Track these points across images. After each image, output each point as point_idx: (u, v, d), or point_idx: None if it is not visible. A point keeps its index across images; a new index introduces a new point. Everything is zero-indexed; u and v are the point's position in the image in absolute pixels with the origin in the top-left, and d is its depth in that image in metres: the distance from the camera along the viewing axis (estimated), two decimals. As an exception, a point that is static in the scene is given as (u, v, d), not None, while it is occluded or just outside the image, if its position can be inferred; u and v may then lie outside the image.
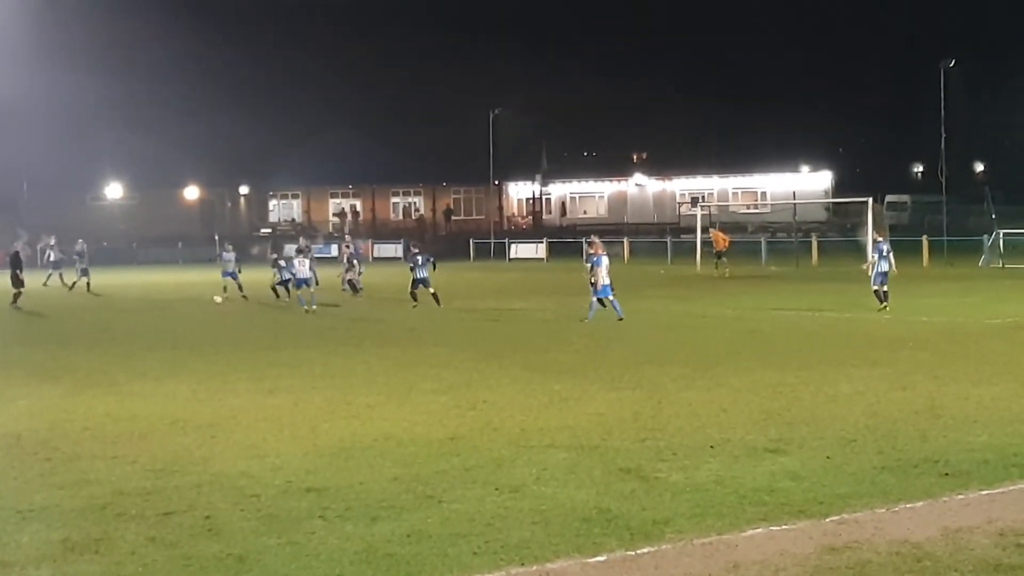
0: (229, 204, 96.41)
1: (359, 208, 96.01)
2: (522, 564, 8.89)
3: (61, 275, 48.33)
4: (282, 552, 9.25)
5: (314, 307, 33.01)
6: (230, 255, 38.94)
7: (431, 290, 32.95)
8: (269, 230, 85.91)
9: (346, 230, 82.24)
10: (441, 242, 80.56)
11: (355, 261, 40.22)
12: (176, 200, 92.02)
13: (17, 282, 34.75)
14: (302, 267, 34.10)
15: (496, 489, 11.15)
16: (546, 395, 16.94)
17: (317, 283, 34.33)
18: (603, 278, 28.20)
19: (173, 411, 15.98)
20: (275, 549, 9.33)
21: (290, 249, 39.93)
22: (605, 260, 28.69)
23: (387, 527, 9.90)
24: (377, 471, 12.03)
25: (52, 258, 52.07)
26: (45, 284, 47.49)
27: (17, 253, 36.25)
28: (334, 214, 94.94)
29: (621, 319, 27.87)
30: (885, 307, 29.45)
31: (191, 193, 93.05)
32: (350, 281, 38.90)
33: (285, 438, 13.90)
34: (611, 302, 28.23)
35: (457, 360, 21.43)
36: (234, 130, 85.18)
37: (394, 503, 10.68)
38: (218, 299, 36.52)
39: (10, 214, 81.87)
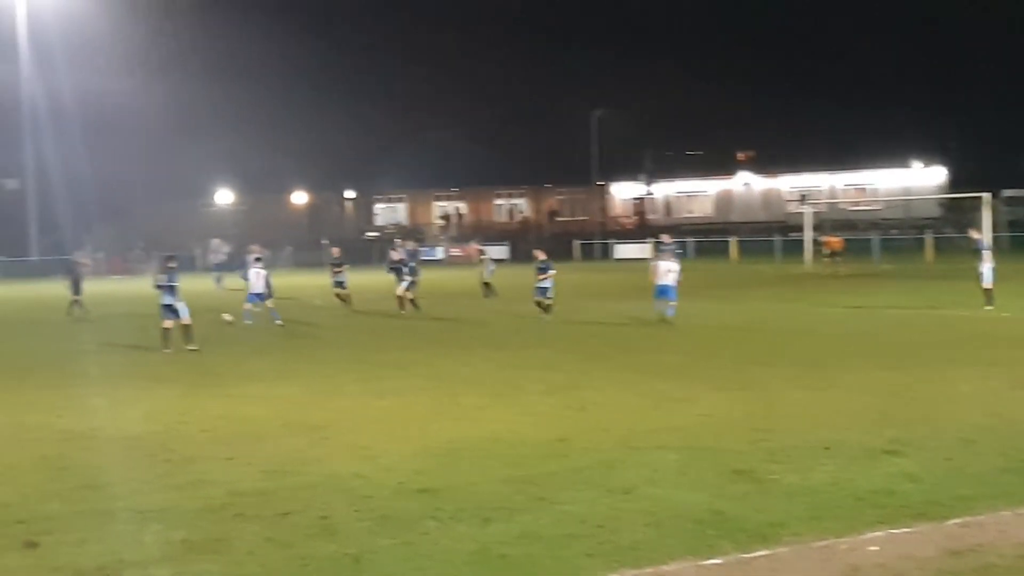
0: (336, 208, 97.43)
1: (463, 210, 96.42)
2: (636, 566, 8.82)
3: (219, 278, 48.97)
4: (397, 553, 9.29)
5: (278, 321, 30.48)
6: (219, 247, 37.83)
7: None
8: (376, 234, 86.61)
9: (452, 233, 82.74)
10: (545, 243, 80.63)
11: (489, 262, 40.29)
12: (284, 205, 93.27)
13: (76, 290, 35.32)
14: (257, 280, 31.41)
15: (607, 491, 11.09)
16: (654, 396, 16.83)
17: (271, 295, 31.87)
18: (661, 277, 28.89)
19: (285, 413, 16.16)
20: (389, 549, 9.37)
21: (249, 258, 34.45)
22: (663, 263, 29.48)
23: (499, 528, 9.90)
24: (487, 472, 12.04)
25: (215, 261, 52.79)
26: (219, 285, 48.02)
27: (76, 263, 36.84)
28: (439, 217, 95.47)
29: (668, 320, 28.26)
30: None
31: (299, 198, 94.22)
32: (486, 283, 39.00)
33: (396, 439, 13.98)
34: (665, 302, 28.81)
35: (563, 362, 21.40)
36: (340, 135, 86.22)
37: (505, 504, 10.67)
38: (228, 317, 30.61)
39: (124, 221, 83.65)
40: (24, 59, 72.60)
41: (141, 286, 42.27)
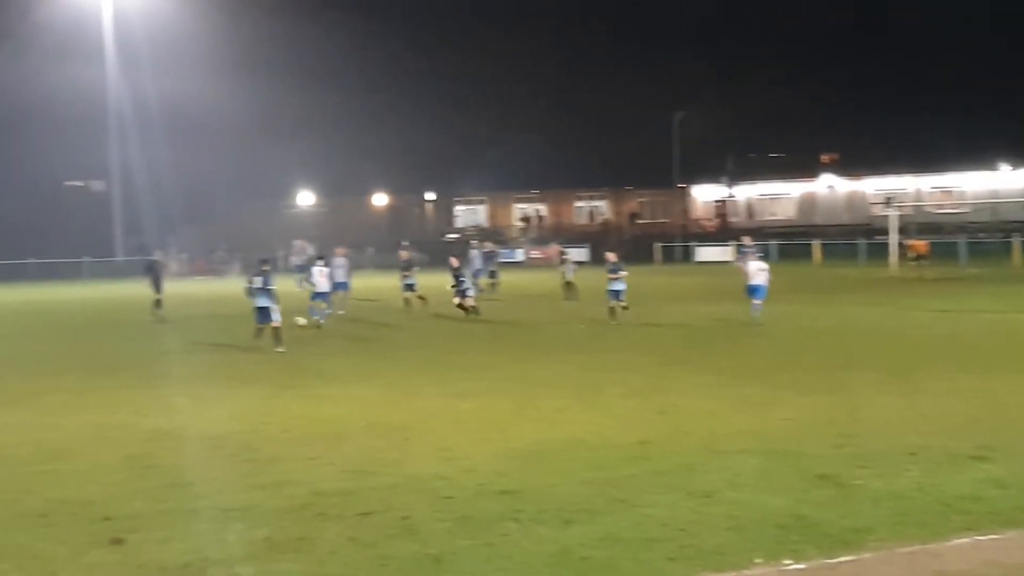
0: (416, 210, 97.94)
1: (543, 212, 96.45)
2: (718, 570, 8.77)
3: (302, 280, 48.93)
4: (477, 553, 9.30)
5: (322, 322, 30.70)
6: (302, 248, 37.48)
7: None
8: (456, 235, 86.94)
9: (532, 235, 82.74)
10: (626, 245, 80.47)
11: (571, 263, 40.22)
12: (365, 207, 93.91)
13: (157, 288, 35.79)
14: (321, 278, 31.43)
15: (688, 494, 11.03)
16: (736, 400, 16.71)
17: (346, 289, 32.68)
18: (752, 277, 29.26)
19: (366, 414, 16.27)
20: (470, 550, 9.39)
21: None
22: (754, 262, 29.89)
23: (580, 530, 9.88)
24: (568, 474, 12.02)
25: (297, 262, 52.92)
26: (300, 287, 47.60)
27: (156, 262, 37.21)
28: (519, 219, 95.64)
29: (756, 320, 28.54)
30: None
31: (379, 200, 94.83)
32: (568, 284, 39.00)
33: (476, 441, 14.00)
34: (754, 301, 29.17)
35: (644, 365, 21.30)
36: (420, 137, 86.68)
37: (586, 506, 10.65)
38: (301, 321, 29.81)
39: (208, 223, 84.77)
40: (110, 62, 73.82)
41: (224, 287, 42.86)
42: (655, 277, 55.57)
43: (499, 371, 20.82)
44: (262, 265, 26.07)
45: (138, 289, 36.46)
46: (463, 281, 33.20)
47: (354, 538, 9.83)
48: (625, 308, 30.00)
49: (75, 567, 9.30)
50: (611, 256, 30.90)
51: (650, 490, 11.23)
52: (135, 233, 75.86)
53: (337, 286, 35.40)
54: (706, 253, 75.51)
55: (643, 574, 8.76)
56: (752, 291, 28.82)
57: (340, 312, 34.32)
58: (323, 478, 12.13)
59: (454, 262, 34.33)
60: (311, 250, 53.72)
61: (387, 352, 24.87)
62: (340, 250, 37.84)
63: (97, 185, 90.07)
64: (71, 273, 69.49)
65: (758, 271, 28.97)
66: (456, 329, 30.14)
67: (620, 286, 29.95)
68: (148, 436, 14.97)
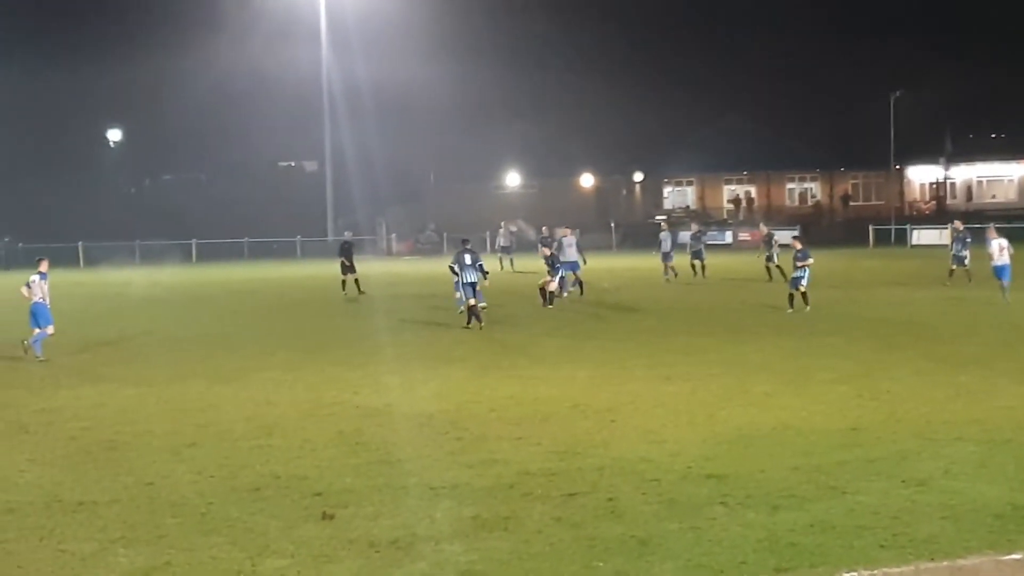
0: (624, 191, 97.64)
1: (753, 194, 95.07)
2: (931, 559, 8.58)
3: (503, 260, 49.86)
4: (684, 537, 9.27)
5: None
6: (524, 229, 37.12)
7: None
8: (664, 217, 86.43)
9: (741, 217, 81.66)
10: (837, 228, 78.67)
11: (774, 243, 39.62)
12: (572, 188, 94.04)
13: (346, 269, 36.81)
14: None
15: (902, 482, 10.79)
16: (952, 387, 16.24)
17: (577, 268, 33.68)
18: (995, 257, 29.00)
19: (573, 395, 16.36)
20: (677, 534, 9.37)
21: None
22: (995, 241, 29.46)
23: (789, 516, 9.76)
24: (777, 460, 11.88)
25: (502, 243, 53.74)
26: (501, 268, 48.20)
27: (347, 243, 38.10)
28: (728, 200, 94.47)
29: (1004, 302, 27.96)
30: None
31: (586, 181, 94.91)
32: (778, 267, 38.42)
33: (683, 424, 13.96)
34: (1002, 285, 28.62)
35: (855, 350, 20.84)
36: (628, 118, 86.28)
37: (795, 492, 10.52)
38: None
39: (416, 203, 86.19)
40: (325, 45, 75.62)
41: (431, 267, 43.50)
42: (868, 260, 54.22)
43: (707, 354, 20.65)
44: (464, 244, 26.77)
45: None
46: (558, 268, 32.42)
47: (560, 518, 9.91)
48: (804, 294, 28.67)
49: (286, 541, 9.61)
50: (796, 243, 29.85)
51: (861, 477, 11.02)
52: (346, 213, 77.60)
53: (569, 266, 35.27)
54: (922, 236, 73.22)
55: (853, 561, 8.60)
56: (998, 272, 28.01)
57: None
58: (529, 458, 12.26)
59: (545, 251, 33.70)
60: (531, 232, 54.01)
61: (593, 333, 24.92)
62: (565, 230, 37.64)
63: (309, 165, 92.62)
64: (285, 252, 71.60)
65: (1000, 250, 28.09)
66: (665, 312, 29.96)
67: (802, 273, 28.53)
68: (358, 413, 15.39)
